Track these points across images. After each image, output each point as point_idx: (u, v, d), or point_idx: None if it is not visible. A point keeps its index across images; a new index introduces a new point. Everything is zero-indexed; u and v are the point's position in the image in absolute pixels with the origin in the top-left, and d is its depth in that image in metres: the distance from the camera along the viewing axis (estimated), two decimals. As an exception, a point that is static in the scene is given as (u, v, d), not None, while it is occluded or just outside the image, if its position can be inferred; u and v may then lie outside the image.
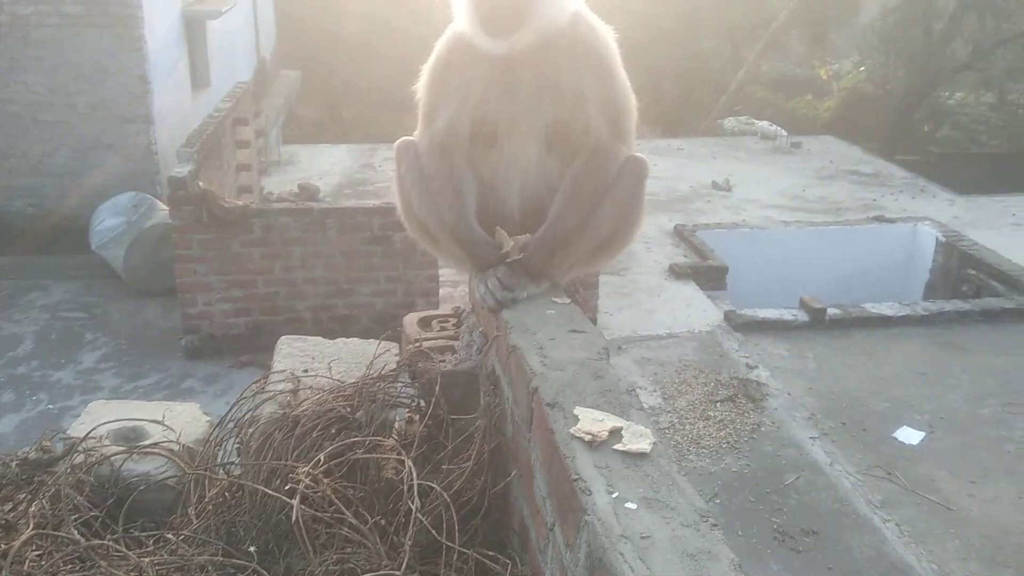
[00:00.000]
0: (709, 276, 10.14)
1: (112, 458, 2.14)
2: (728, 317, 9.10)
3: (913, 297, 10.40)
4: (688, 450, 6.99)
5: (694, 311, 9.30)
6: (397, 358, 2.59)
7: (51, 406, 7.58)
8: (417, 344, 2.41)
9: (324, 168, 14.10)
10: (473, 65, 2.40)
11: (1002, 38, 17.96)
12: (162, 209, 9.78)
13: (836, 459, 6.87)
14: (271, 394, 2.38)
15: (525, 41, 2.32)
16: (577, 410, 1.72)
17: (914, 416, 7.53)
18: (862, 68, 22.50)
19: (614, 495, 1.47)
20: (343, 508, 1.81)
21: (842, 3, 21.63)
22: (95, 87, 10.22)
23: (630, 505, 1.44)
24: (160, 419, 2.37)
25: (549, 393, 1.79)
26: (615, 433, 1.67)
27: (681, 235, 11.19)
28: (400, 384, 2.40)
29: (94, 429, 2.23)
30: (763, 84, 23.11)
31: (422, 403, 2.31)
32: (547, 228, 2.39)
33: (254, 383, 2.55)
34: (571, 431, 1.66)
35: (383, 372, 2.41)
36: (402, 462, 1.98)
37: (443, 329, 2.60)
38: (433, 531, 1.80)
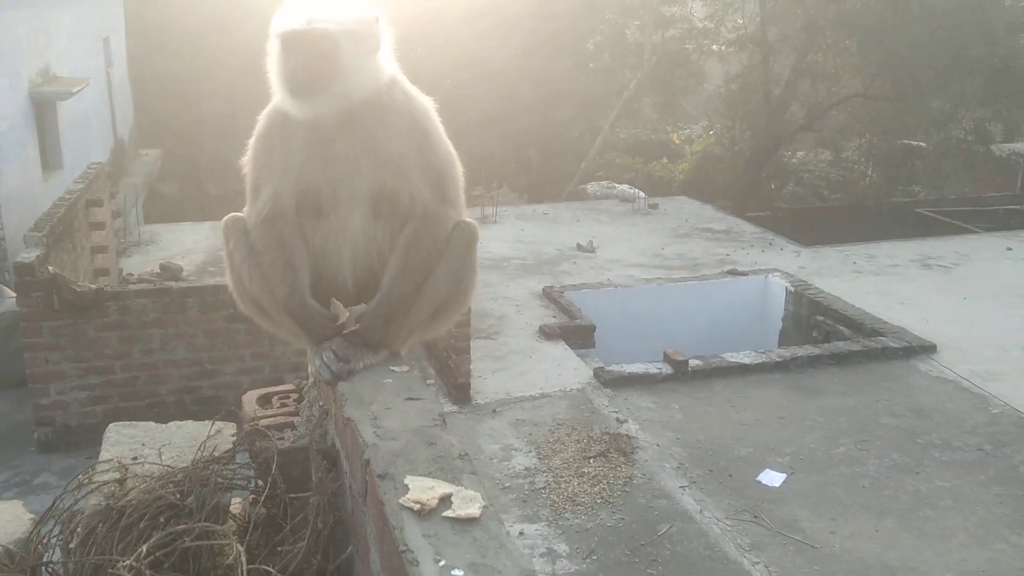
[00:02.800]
0: (578, 335, 10.38)
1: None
2: (597, 374, 9.32)
3: (768, 345, 10.92)
4: (564, 508, 7.07)
5: (565, 370, 9.48)
6: (234, 439, 2.56)
7: None
8: (254, 423, 2.40)
9: (187, 246, 13.77)
10: (293, 135, 2.43)
11: (833, 101, 19.34)
12: (11, 296, 9.33)
13: (705, 506, 7.08)
14: (95, 485, 2.30)
15: (331, 105, 2.35)
16: (408, 479, 1.75)
17: (775, 459, 7.86)
18: (711, 132, 23.73)
19: (441, 563, 1.50)
20: None
21: (688, 72, 22.85)
22: (-66, 173, 9.76)
23: (457, 572, 1.48)
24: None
25: (380, 464, 1.81)
26: (445, 500, 1.70)
27: (549, 296, 11.43)
28: (236, 466, 2.36)
29: None
30: (621, 150, 24.06)
31: (259, 483, 2.28)
32: (381, 297, 2.42)
33: (78, 475, 2.47)
34: (400, 501, 1.68)
35: (218, 454, 2.37)
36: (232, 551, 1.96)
37: (283, 406, 2.59)
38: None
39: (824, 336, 10.85)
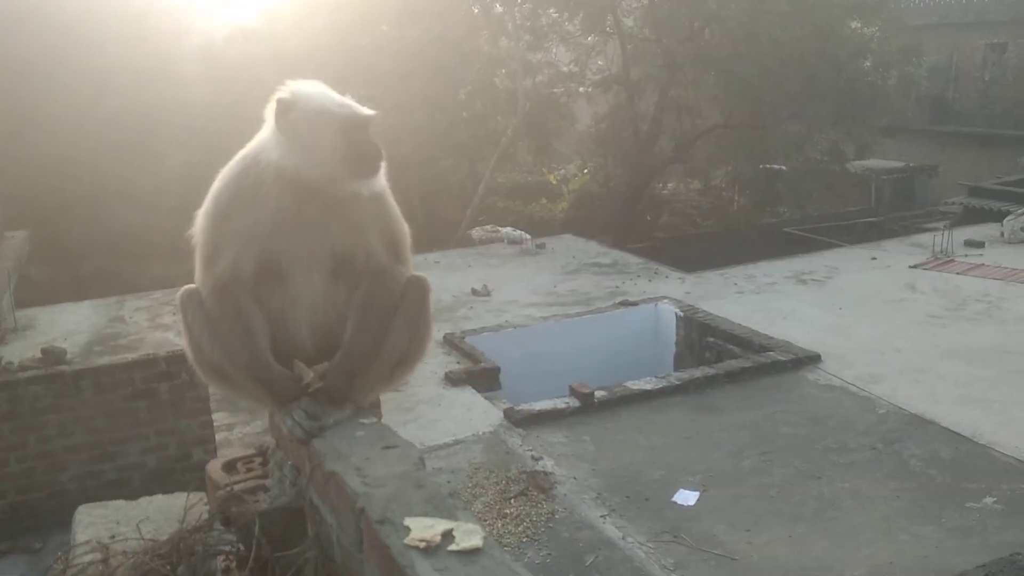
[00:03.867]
0: (484, 378, 10.50)
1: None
2: (508, 414, 9.45)
3: (665, 369, 11.31)
4: (491, 551, 7.13)
5: (475, 414, 9.57)
6: (207, 507, 2.57)
7: None
8: (228, 488, 2.43)
9: (68, 328, 13.27)
10: (263, 205, 2.51)
11: (697, 132, 20.34)
12: None
13: (627, 531, 7.26)
14: (77, 568, 2.29)
15: (378, 184, 2.56)
16: (407, 520, 1.84)
17: (687, 478, 8.13)
18: (585, 171, 24.51)
19: (457, 595, 1.60)
20: None
21: (559, 115, 23.57)
22: None
23: (474, 600, 1.58)
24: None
25: (377, 510, 1.90)
26: (447, 535, 1.80)
27: (451, 343, 11.53)
28: (216, 532, 2.39)
29: None
30: (501, 194, 24.54)
31: (241, 547, 2.31)
32: (344, 353, 2.51)
33: (55, 560, 2.44)
34: (405, 542, 1.77)
35: (197, 523, 2.40)
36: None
37: (250, 470, 2.63)
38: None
39: (716, 356, 11.32)
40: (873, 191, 22.47)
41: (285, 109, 2.50)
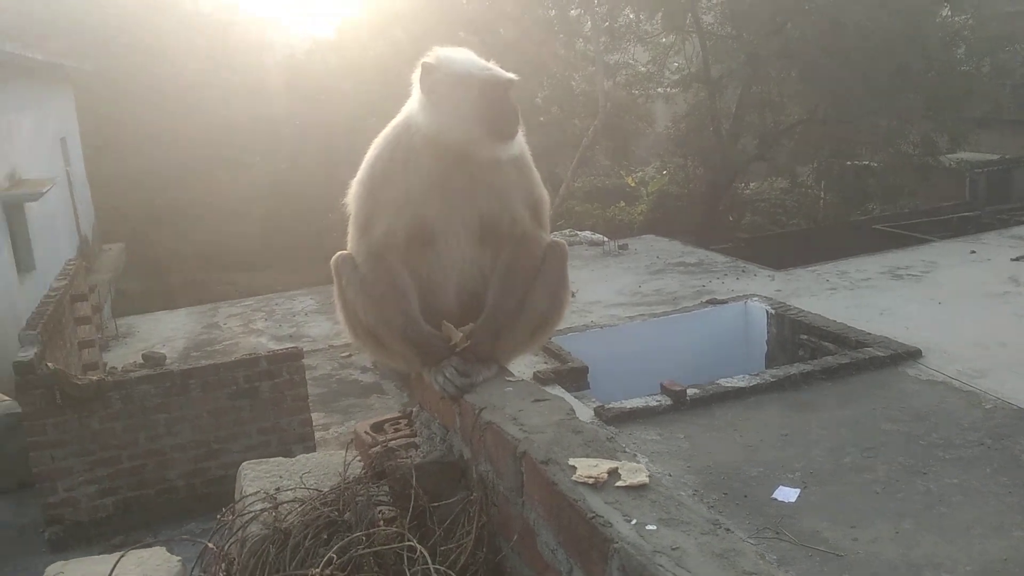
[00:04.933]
0: (572, 378, 10.47)
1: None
2: (598, 412, 9.39)
3: (756, 368, 11.10)
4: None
5: (565, 414, 9.55)
6: (360, 464, 2.64)
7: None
8: (383, 445, 2.49)
9: (165, 335, 13.70)
10: (416, 172, 2.56)
11: (781, 129, 19.95)
12: (2, 400, 9.19)
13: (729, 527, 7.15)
14: (249, 514, 2.38)
15: (516, 148, 2.58)
16: (571, 461, 1.87)
17: (786, 475, 7.97)
18: (664, 172, 24.28)
19: (632, 522, 1.61)
20: None
21: (637, 116, 23.42)
22: (-88, 284, 9.67)
23: (651, 527, 1.59)
24: (131, 566, 2.32)
25: (540, 453, 1.93)
26: (613, 473, 1.82)
27: (537, 344, 11.53)
28: (372, 486, 2.46)
29: None
30: (579, 198, 24.48)
31: (401, 498, 2.37)
32: (489, 314, 2.57)
33: (226, 509, 2.54)
34: (573, 478, 1.80)
35: (356, 476, 2.47)
36: (400, 556, 2.04)
37: (398, 430, 2.70)
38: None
39: (810, 353, 11.07)
40: (968, 185, 21.72)
41: (429, 73, 2.55)
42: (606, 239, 17.59)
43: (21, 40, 11.34)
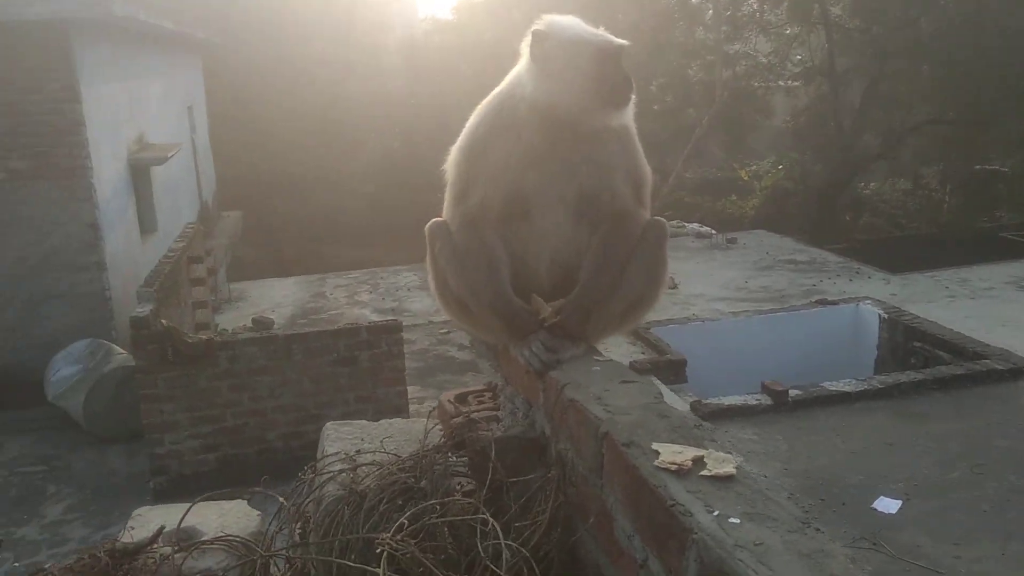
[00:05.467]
0: (669, 370, 10.28)
1: (174, 556, 2.14)
2: (694, 407, 9.20)
3: (863, 373, 10.69)
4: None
5: (661, 406, 9.41)
6: (440, 433, 2.65)
7: (17, 563, 7.27)
8: (465, 416, 2.48)
9: (276, 301, 14.13)
10: (516, 142, 2.52)
11: (907, 128, 19.09)
12: (119, 353, 9.66)
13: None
14: (330, 474, 2.41)
15: (629, 115, 2.54)
16: (655, 445, 1.81)
17: (888, 486, 7.65)
18: (780, 166, 23.59)
19: (715, 513, 1.55)
20: (433, 568, 1.85)
21: (756, 108, 22.81)
22: (46, 238, 10.21)
23: (734, 520, 1.52)
24: (212, 518, 2.38)
25: (623, 434, 1.88)
26: (698, 461, 1.75)
27: (636, 333, 11.37)
28: (451, 456, 2.45)
29: (162, 528, 2.24)
30: (689, 189, 24.05)
31: (479, 470, 2.36)
32: (581, 291, 2.51)
33: (307, 467, 2.58)
34: (655, 463, 1.74)
35: (436, 445, 2.47)
36: (472, 529, 2.03)
37: (481, 403, 2.68)
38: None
39: (923, 362, 10.60)
40: (1106, 196, 20.38)
41: (540, 40, 2.51)
42: (714, 232, 17.25)
43: (153, 10, 11.83)
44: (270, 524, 2.30)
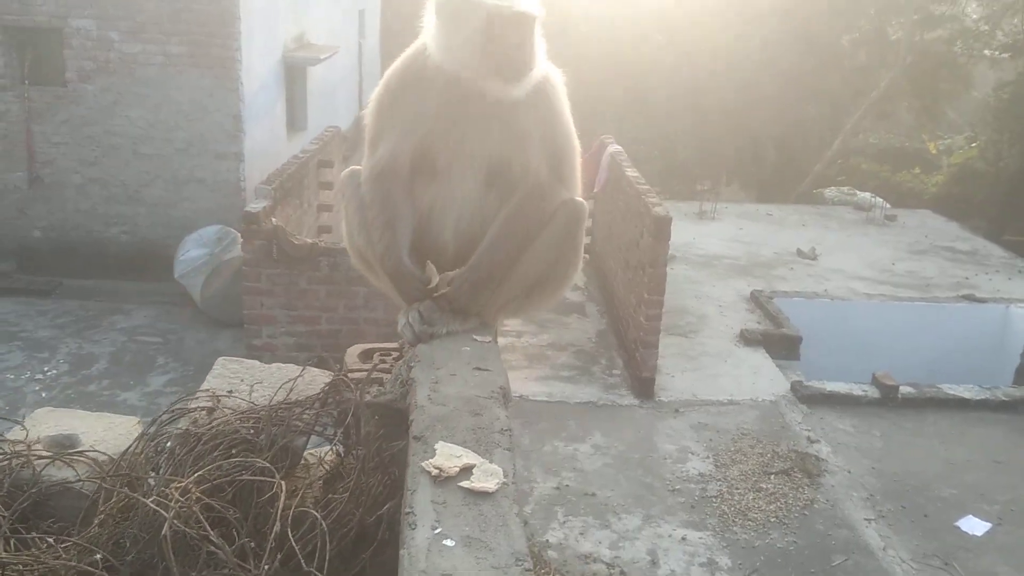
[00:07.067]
0: (781, 344, 9.84)
1: (36, 462, 2.20)
2: (795, 388, 8.81)
3: (1000, 381, 9.82)
4: (734, 521, 6.75)
5: (760, 379, 9.03)
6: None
7: (114, 424, 7.87)
8: (341, 374, 2.42)
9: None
10: (425, 97, 2.43)
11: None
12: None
13: (891, 544, 6.52)
14: (185, 411, 2.41)
15: (522, 90, 2.37)
16: (439, 444, 1.70)
17: (982, 506, 7.09)
18: (974, 144, 21.68)
19: (436, 531, 1.43)
20: (207, 527, 1.81)
21: (953, 75, 20.96)
22: (193, 123, 10.75)
23: (448, 542, 1.40)
24: (99, 430, 2.44)
25: (419, 426, 1.77)
26: (467, 470, 1.63)
27: (757, 301, 10.92)
28: (315, 412, 2.39)
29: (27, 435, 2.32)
30: (869, 156, 22.52)
31: (336, 432, 2.30)
32: (473, 264, 2.38)
33: (178, 399, 2.60)
34: (422, 464, 1.63)
35: (303, 399, 2.41)
36: (318, 495, 1.97)
37: (383, 362, 2.60)
38: (301, 559, 1.77)
39: (1069, 380, 9.65)
40: None
41: None
42: (885, 204, 16.11)
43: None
44: (128, 448, 2.32)
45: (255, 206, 8.39)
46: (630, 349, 9.09)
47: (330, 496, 2.01)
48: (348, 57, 16.16)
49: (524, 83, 2.35)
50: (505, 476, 1.61)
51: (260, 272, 8.40)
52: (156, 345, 9.46)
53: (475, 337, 2.31)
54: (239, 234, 10.33)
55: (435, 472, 1.61)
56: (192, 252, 10.12)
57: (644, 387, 8.53)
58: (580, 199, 2.48)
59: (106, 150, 10.84)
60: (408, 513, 1.49)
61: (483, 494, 1.57)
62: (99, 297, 10.33)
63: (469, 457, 1.67)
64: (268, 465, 1.99)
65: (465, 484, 1.59)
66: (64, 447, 2.28)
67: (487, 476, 1.61)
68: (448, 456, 1.65)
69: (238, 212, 10.78)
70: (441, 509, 1.50)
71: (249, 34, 10.64)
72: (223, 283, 9.77)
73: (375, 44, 19.32)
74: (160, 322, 9.96)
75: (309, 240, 8.65)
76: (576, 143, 2.51)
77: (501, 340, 2.54)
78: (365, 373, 2.48)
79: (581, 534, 6.46)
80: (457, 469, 1.62)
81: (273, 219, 8.38)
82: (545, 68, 2.47)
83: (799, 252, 12.91)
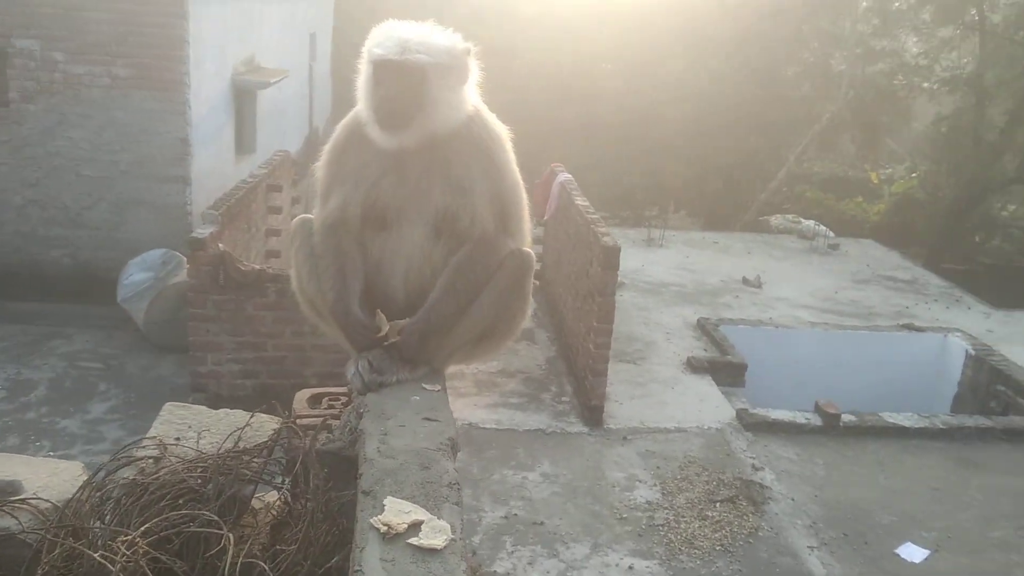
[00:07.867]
0: (727, 372, 9.98)
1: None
2: (740, 415, 8.93)
3: (937, 409, 10.07)
4: (680, 550, 6.80)
5: (706, 406, 9.14)
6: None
7: (51, 453, 7.66)
8: (290, 421, 2.41)
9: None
10: (369, 151, 2.47)
11: (1052, 154, 17.72)
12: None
13: (833, 572, 6.63)
14: (132, 459, 2.38)
15: (414, 139, 2.39)
16: (387, 500, 1.71)
17: (920, 533, 7.25)
18: (914, 175, 22.30)
19: (385, 591, 1.44)
20: None
21: (894, 108, 21.58)
22: (139, 146, 10.60)
23: (396, 602, 1.41)
24: (42, 475, 2.39)
25: (368, 480, 1.78)
26: (415, 526, 1.64)
27: (703, 328, 11.07)
28: (263, 461, 2.37)
29: None
30: (814, 184, 23.02)
31: (284, 481, 2.29)
32: (422, 313, 2.41)
33: (126, 446, 2.56)
34: (371, 520, 1.64)
35: (252, 447, 2.39)
36: (265, 542, 1.96)
37: (331, 407, 2.60)
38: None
39: (1003, 408, 9.92)
40: None
41: (367, 43, 2.44)
42: (829, 233, 16.46)
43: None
44: (73, 497, 2.28)
45: (202, 232, 8.30)
46: (579, 376, 9.14)
47: (277, 547, 1.99)
48: (298, 80, 16.11)
49: (410, 132, 2.38)
50: (453, 532, 1.63)
51: (206, 298, 8.31)
52: (98, 371, 9.26)
53: (424, 386, 2.32)
54: (184, 258, 10.20)
55: (384, 529, 1.62)
56: (136, 276, 9.95)
57: (593, 415, 8.58)
58: (528, 249, 2.52)
59: (48, 171, 10.63)
60: (357, 571, 1.49)
61: (431, 551, 1.58)
62: (39, 321, 10.08)
63: (418, 513, 1.68)
64: (215, 518, 1.97)
65: (413, 541, 1.60)
66: (6, 494, 2.23)
67: (435, 533, 1.62)
68: (397, 512, 1.66)
69: (183, 236, 10.63)
70: (390, 567, 1.51)
71: (198, 57, 10.56)
72: (167, 308, 9.62)
73: (326, 68, 19.29)
74: (102, 347, 9.75)
75: (256, 266, 8.57)
76: (522, 194, 2.55)
77: (449, 368, 2.57)
78: (313, 419, 2.46)
79: (529, 563, 6.46)
80: (406, 526, 1.63)
81: (220, 244, 8.30)
82: (484, 122, 2.51)
83: (745, 280, 13.13)
